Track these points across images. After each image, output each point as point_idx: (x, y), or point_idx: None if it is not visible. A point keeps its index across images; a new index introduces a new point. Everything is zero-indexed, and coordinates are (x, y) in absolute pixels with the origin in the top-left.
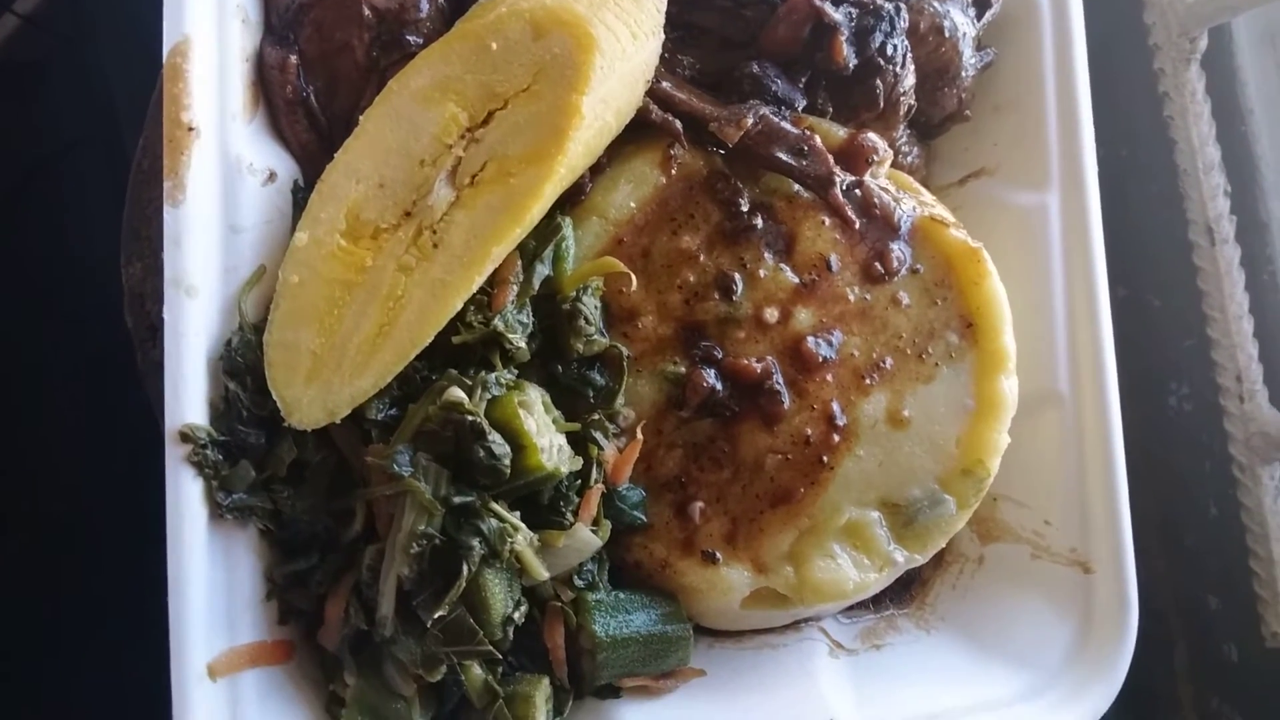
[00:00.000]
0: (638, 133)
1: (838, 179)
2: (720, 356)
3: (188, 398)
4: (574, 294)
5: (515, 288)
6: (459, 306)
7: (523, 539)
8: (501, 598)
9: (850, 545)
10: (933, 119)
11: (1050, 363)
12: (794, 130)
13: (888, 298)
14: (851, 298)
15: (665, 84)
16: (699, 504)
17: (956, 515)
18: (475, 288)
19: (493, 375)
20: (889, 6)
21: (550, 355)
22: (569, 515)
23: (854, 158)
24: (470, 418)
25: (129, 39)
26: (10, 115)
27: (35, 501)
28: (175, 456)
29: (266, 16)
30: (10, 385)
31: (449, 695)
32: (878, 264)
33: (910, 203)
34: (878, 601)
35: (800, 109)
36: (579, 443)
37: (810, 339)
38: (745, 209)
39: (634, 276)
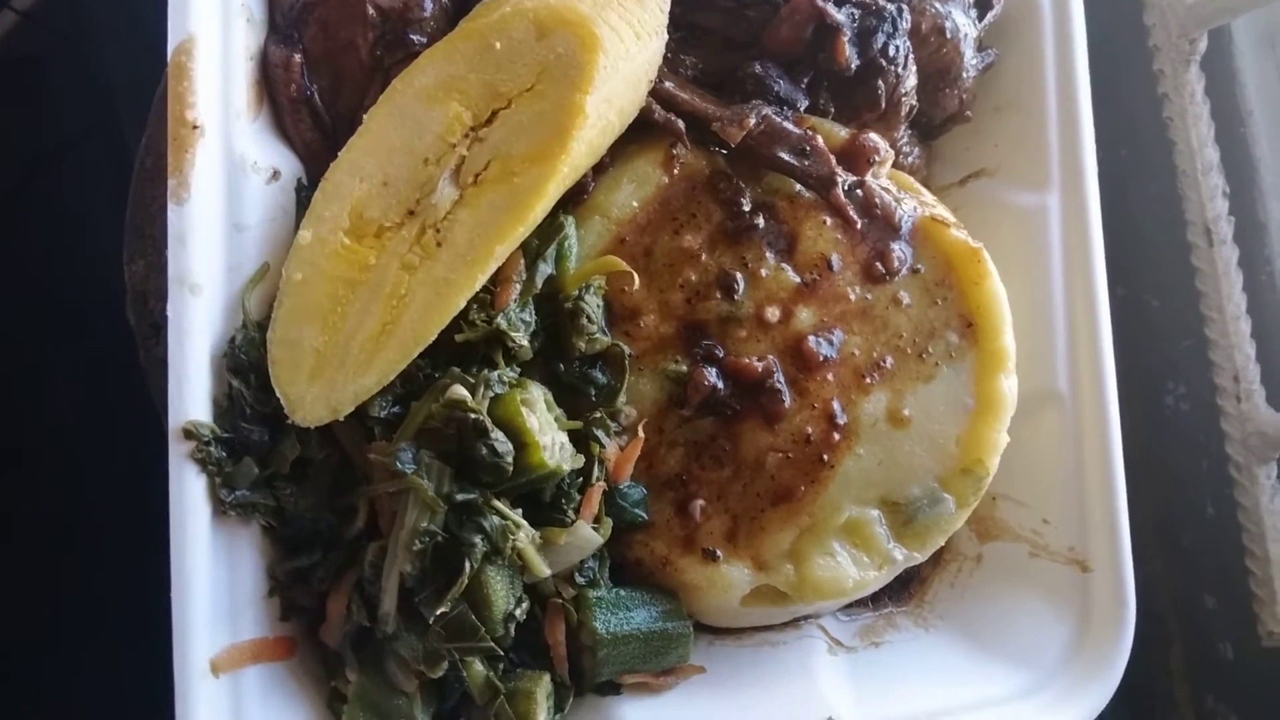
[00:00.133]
0: (640, 132)
1: (840, 179)
2: (722, 355)
3: (191, 395)
4: (576, 293)
5: (518, 286)
6: (462, 305)
7: (525, 536)
8: (503, 595)
9: (850, 543)
10: (934, 119)
11: (1050, 362)
12: (796, 130)
13: (888, 297)
14: (852, 297)
15: (668, 84)
16: (700, 502)
17: (956, 514)
18: (478, 286)
19: (495, 373)
20: (891, 8)
21: (552, 353)
22: (570, 513)
23: (855, 158)
24: (473, 415)
25: (128, 34)
26: (10, 112)
27: (35, 499)
28: (179, 453)
29: (271, 15)
30: (10, 383)
31: (450, 691)
32: (879, 264)
33: (911, 203)
34: (876, 599)
35: (802, 109)
36: (581, 441)
37: (811, 338)
38: (747, 208)
39: (636, 275)
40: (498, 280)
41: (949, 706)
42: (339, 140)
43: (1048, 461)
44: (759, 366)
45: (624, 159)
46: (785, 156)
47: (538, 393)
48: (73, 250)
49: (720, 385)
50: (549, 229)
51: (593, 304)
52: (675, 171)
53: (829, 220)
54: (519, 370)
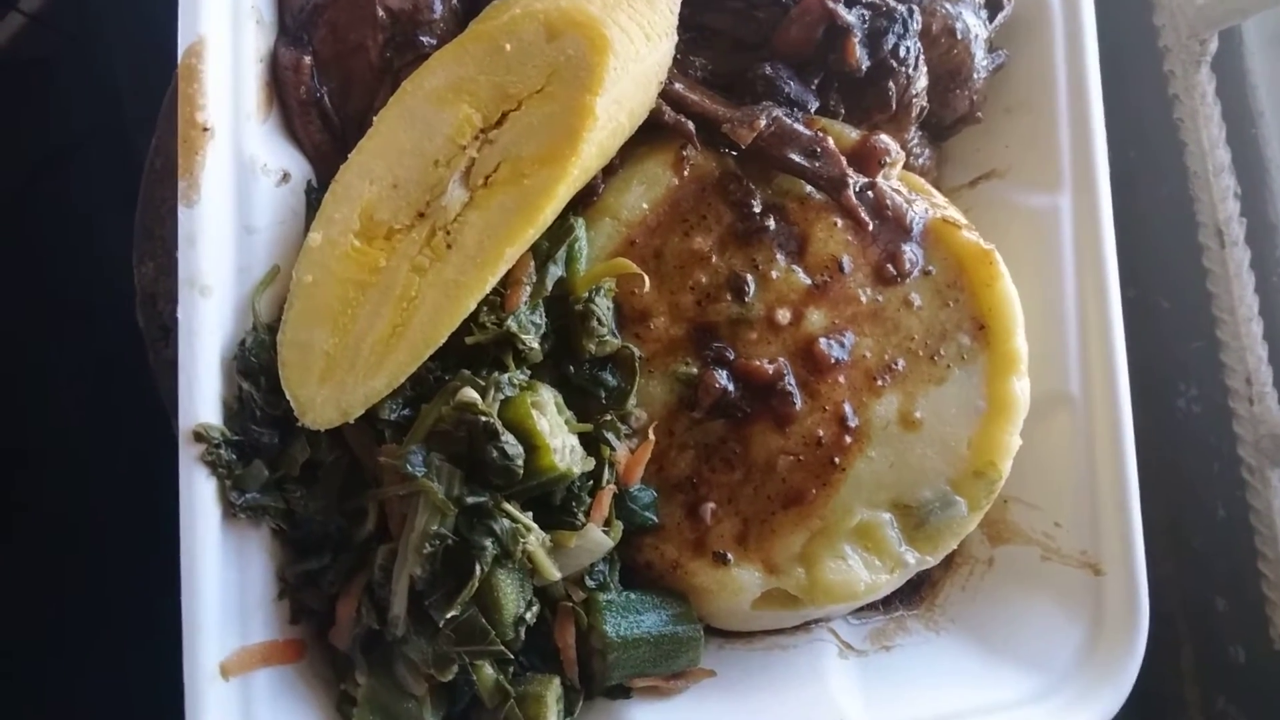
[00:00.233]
0: (650, 134)
1: (851, 181)
2: (732, 357)
3: (202, 397)
4: (586, 295)
5: (528, 288)
6: (472, 307)
7: (535, 539)
8: (513, 598)
9: (861, 546)
10: (944, 120)
11: (1061, 365)
12: (807, 132)
13: (900, 299)
14: (863, 299)
15: (678, 85)
16: (710, 505)
17: (968, 517)
18: (489, 288)
19: (506, 376)
20: (902, 9)
21: (563, 356)
22: (581, 516)
23: (866, 159)
24: (483, 418)
25: (135, 36)
26: (18, 112)
27: (42, 500)
28: (189, 456)
29: (280, 17)
30: (17, 382)
31: (460, 695)
32: (890, 265)
33: (922, 204)
34: (887, 603)
35: (813, 110)
36: (591, 443)
37: (822, 340)
38: (757, 210)
39: (646, 278)
40: (508, 282)
41: (960, 710)
42: (348, 142)
43: (1060, 464)
44: (770, 369)
45: (634, 160)
46: (796, 158)
47: (548, 395)
48: (79, 251)
49: (731, 388)
50: (559, 231)
51: (603, 306)
52: (685, 173)
53: (840, 222)
54: (529, 373)
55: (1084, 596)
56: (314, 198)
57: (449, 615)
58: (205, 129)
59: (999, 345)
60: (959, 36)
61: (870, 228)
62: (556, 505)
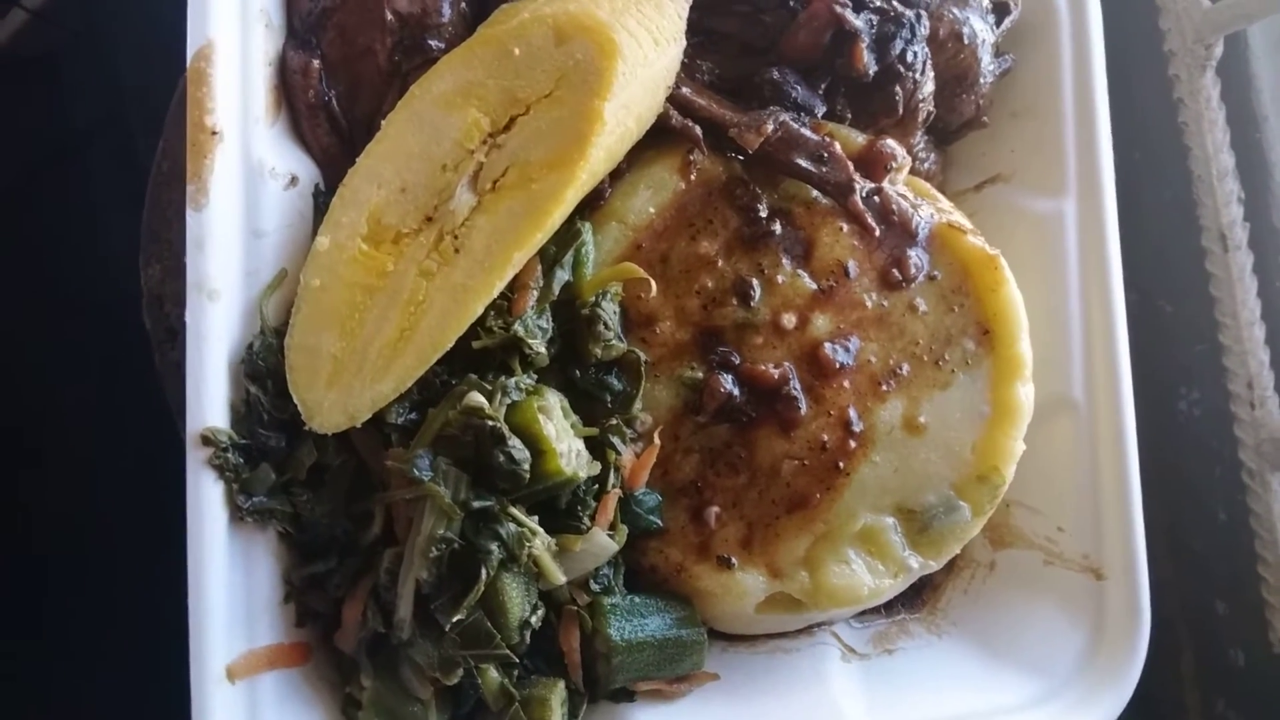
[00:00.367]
0: (658, 138)
1: (857, 186)
2: (738, 362)
3: (209, 401)
4: (593, 299)
5: (535, 293)
6: (480, 311)
7: (540, 543)
8: (519, 602)
9: (865, 551)
10: (950, 125)
11: (1065, 370)
12: (814, 137)
13: (905, 304)
14: (869, 304)
15: (685, 89)
16: (715, 509)
17: (971, 522)
18: (496, 293)
19: (512, 380)
20: (910, 14)
21: (569, 360)
22: (586, 520)
23: (873, 164)
24: (490, 423)
25: (139, 33)
26: (21, 109)
27: (47, 502)
28: (196, 459)
29: (289, 20)
30: (20, 382)
31: (465, 698)
32: (895, 270)
33: (928, 209)
34: (890, 606)
35: (820, 115)
36: (597, 447)
37: (827, 345)
38: (764, 215)
39: (653, 283)
40: (515, 287)
41: (962, 714)
42: (356, 145)
43: (1062, 469)
44: (775, 373)
45: (641, 164)
46: (803, 163)
47: (554, 399)
48: (82, 248)
49: (736, 392)
50: (566, 235)
51: (609, 311)
52: (692, 177)
53: (846, 227)
54: (535, 377)
55: (1086, 601)
56: (321, 201)
57: (455, 619)
58: (214, 133)
59: (1003, 350)
60: (966, 41)
61: (876, 233)
62: (562, 509)
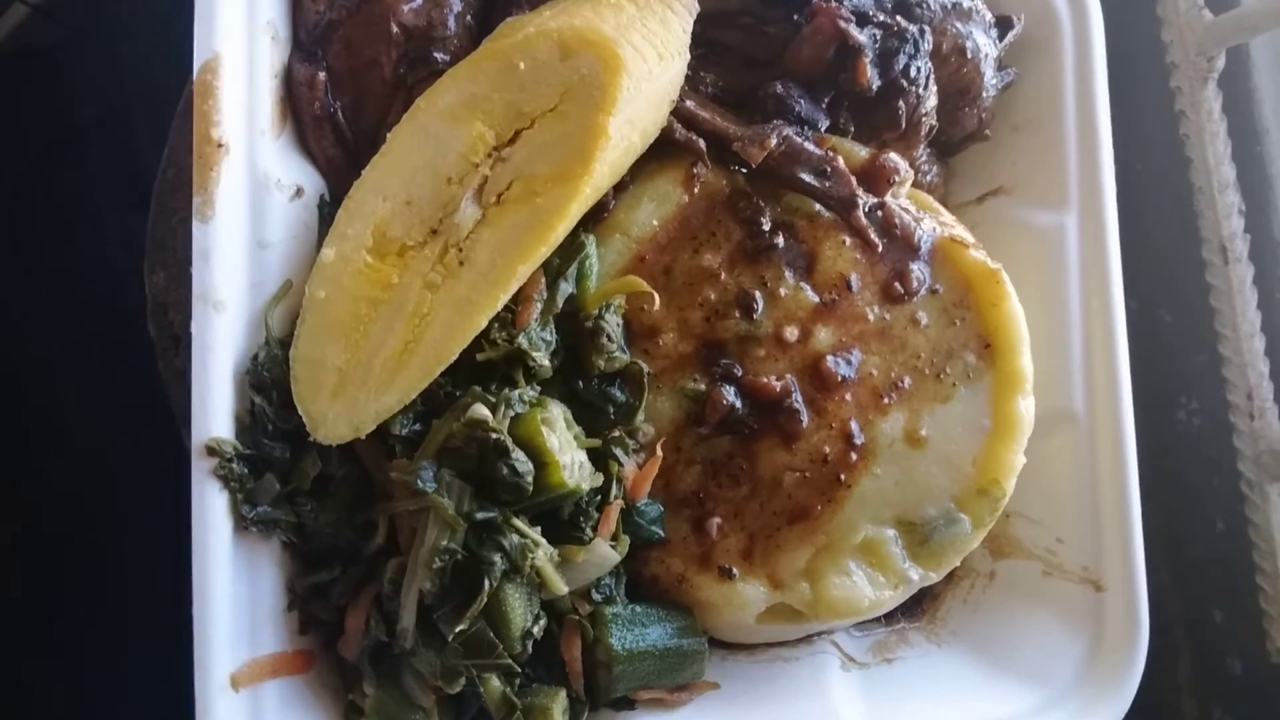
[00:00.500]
0: (661, 151)
1: (860, 201)
2: (740, 374)
3: (214, 411)
4: (597, 311)
5: (539, 305)
6: (484, 324)
7: (543, 554)
8: (521, 612)
9: (866, 563)
10: (953, 138)
11: (1066, 383)
12: (817, 151)
13: (907, 317)
14: (871, 317)
15: (689, 103)
16: (716, 520)
17: (971, 534)
18: (500, 306)
19: (516, 392)
20: (913, 29)
21: (572, 371)
22: (588, 530)
23: (875, 178)
24: (494, 435)
25: (141, 28)
26: (22, 104)
27: (46, 507)
28: (201, 470)
29: (295, 32)
30: (20, 382)
31: (467, 706)
32: (897, 284)
33: (930, 223)
34: (890, 615)
35: (823, 129)
36: (599, 459)
37: (830, 358)
38: (767, 228)
39: (657, 296)
40: (519, 299)
41: None
42: (361, 157)
43: (1062, 480)
44: (777, 386)
45: (645, 177)
46: (806, 177)
47: (557, 411)
48: (81, 244)
49: (738, 404)
50: (570, 248)
51: (613, 323)
52: (695, 190)
53: (848, 240)
54: (539, 389)
55: (1085, 612)
56: (327, 212)
57: (457, 629)
58: (220, 145)
59: (1004, 364)
60: (969, 56)
61: (879, 248)
62: (564, 520)
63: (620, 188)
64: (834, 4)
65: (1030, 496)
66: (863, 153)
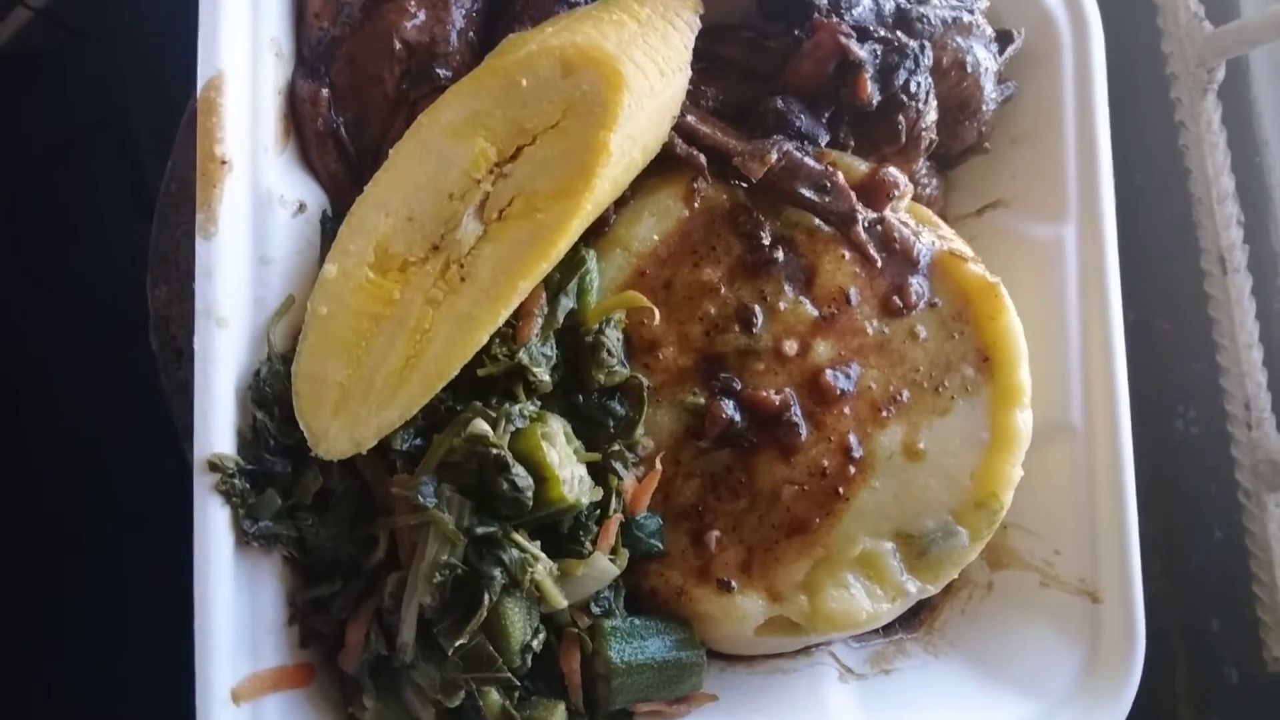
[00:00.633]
0: (662, 165)
1: (859, 216)
2: (739, 388)
3: (217, 427)
4: (597, 326)
5: (540, 320)
6: (485, 340)
7: (543, 568)
8: (521, 626)
9: (864, 575)
10: (952, 150)
11: (1064, 395)
12: (817, 166)
13: (905, 331)
14: (870, 331)
15: (690, 117)
16: (715, 533)
17: (969, 547)
18: (501, 321)
19: (516, 407)
20: (913, 44)
21: (572, 385)
22: (588, 544)
23: (875, 193)
24: (494, 451)
25: (142, 31)
26: (24, 105)
27: (41, 508)
28: (204, 485)
29: (298, 49)
30: (19, 383)
31: (467, 719)
32: (896, 298)
33: (929, 237)
34: (887, 626)
35: (823, 144)
36: (599, 472)
37: (829, 372)
38: (766, 242)
39: (657, 311)
40: (520, 314)
41: None
42: (364, 172)
43: (1060, 492)
44: (776, 399)
45: (645, 192)
46: (806, 192)
47: (557, 425)
48: (81, 246)
49: (737, 418)
50: (571, 263)
51: (613, 338)
52: (696, 205)
53: (847, 254)
54: (539, 403)
55: (1082, 623)
56: (329, 228)
57: (457, 643)
58: (224, 162)
59: (1003, 378)
60: (969, 70)
61: (878, 264)
62: (564, 534)
63: (621, 202)
64: (835, 19)
65: (1028, 508)
66: (862, 167)
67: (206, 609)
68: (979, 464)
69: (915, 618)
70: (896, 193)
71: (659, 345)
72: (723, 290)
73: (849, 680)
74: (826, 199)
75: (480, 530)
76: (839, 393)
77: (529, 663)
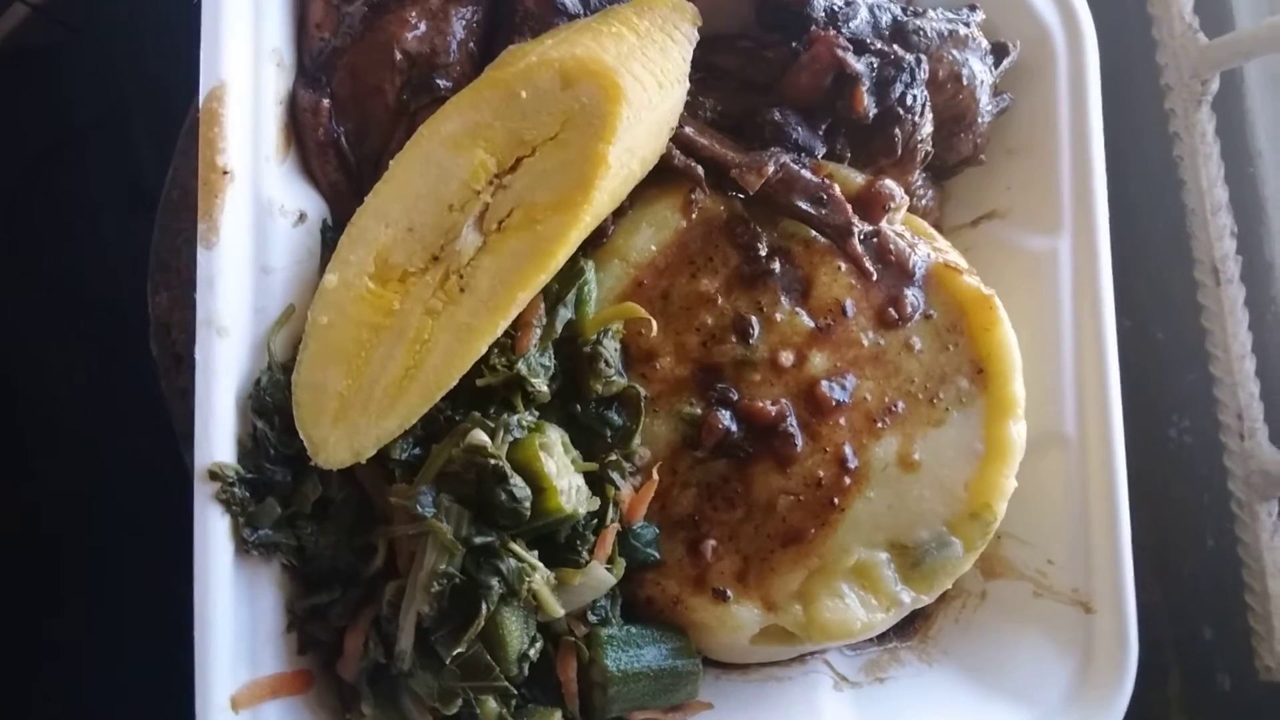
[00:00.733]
0: (660, 176)
1: (855, 229)
2: (735, 398)
3: (217, 436)
4: (595, 337)
5: (538, 331)
6: (484, 350)
7: (540, 578)
8: (518, 635)
9: (858, 585)
10: (948, 162)
11: (1057, 406)
12: (813, 179)
13: (901, 343)
14: (865, 342)
15: (688, 129)
16: (711, 542)
17: (963, 558)
18: (500, 332)
19: (515, 418)
20: (910, 58)
21: (570, 395)
22: (585, 553)
23: (871, 205)
24: (493, 461)
25: (141, 27)
26: (21, 102)
27: (39, 508)
28: (204, 494)
29: (299, 59)
30: (18, 384)
31: None
32: (892, 309)
33: (925, 249)
34: (881, 634)
35: (820, 156)
36: (596, 482)
37: (824, 383)
38: (763, 253)
39: (654, 322)
40: (518, 325)
41: None
42: (364, 181)
43: (1053, 503)
44: (772, 410)
45: (643, 203)
46: (802, 205)
47: (555, 435)
48: (79, 244)
49: (733, 428)
50: (569, 273)
51: (610, 348)
52: (693, 216)
53: (844, 266)
54: (537, 413)
55: (1074, 633)
56: (329, 237)
57: (455, 652)
58: (225, 172)
59: (997, 389)
60: (965, 82)
61: (874, 277)
62: (561, 543)
63: (619, 213)
64: (832, 32)
65: (1022, 518)
66: (859, 179)
67: (206, 616)
68: (973, 475)
69: (909, 626)
70: (892, 205)
71: (656, 355)
72: (720, 301)
73: (843, 688)
74: (823, 211)
75: (478, 540)
76: (834, 404)
77: (526, 671)
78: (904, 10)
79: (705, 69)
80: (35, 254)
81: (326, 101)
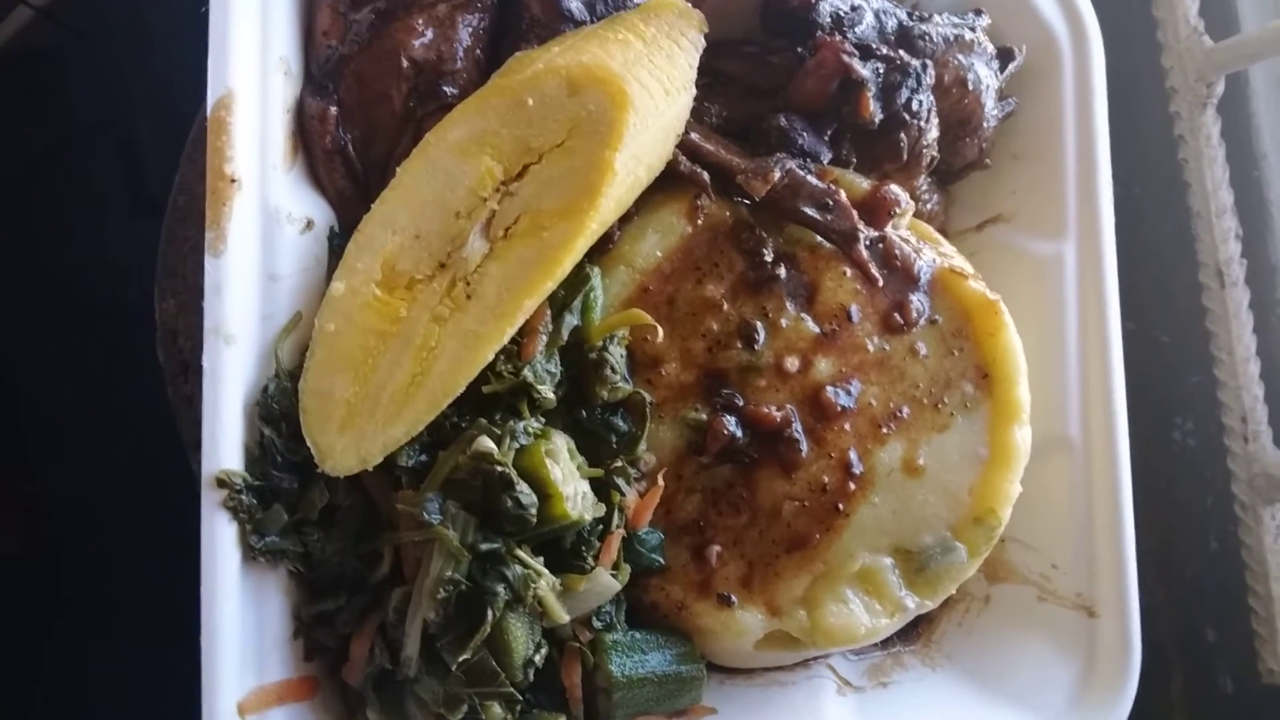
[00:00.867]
0: (666, 182)
1: (861, 235)
2: (741, 404)
3: (224, 443)
4: (600, 343)
5: (544, 337)
6: (490, 357)
7: (545, 584)
8: (523, 641)
9: (863, 591)
10: (953, 166)
11: (1062, 410)
12: (819, 184)
13: (906, 348)
14: (870, 348)
15: (694, 135)
16: (716, 548)
17: (967, 563)
18: (507, 339)
19: (521, 424)
20: (915, 63)
21: (575, 401)
22: (590, 559)
23: (876, 210)
24: (499, 468)
25: (144, 31)
26: (24, 104)
27: (40, 510)
28: (211, 501)
29: (306, 67)
30: (18, 385)
31: None
32: (897, 315)
33: (930, 254)
34: (885, 639)
35: (825, 161)
36: (601, 488)
37: (829, 388)
38: (769, 259)
39: (660, 329)
40: (524, 331)
41: None
42: (371, 188)
43: (1058, 507)
44: (777, 416)
45: (649, 209)
46: (808, 210)
47: (561, 442)
48: (81, 246)
49: (739, 434)
50: (575, 280)
51: (616, 354)
52: (699, 222)
53: (849, 271)
54: (543, 420)
55: (1078, 637)
56: (336, 244)
57: (461, 658)
58: (233, 180)
59: (1002, 394)
60: (970, 87)
61: (879, 282)
62: (567, 549)
63: (625, 219)
64: (838, 38)
65: (1026, 522)
66: (864, 184)
67: (213, 622)
68: (978, 480)
69: (913, 631)
70: (898, 210)
71: (662, 361)
72: (725, 306)
73: (847, 693)
74: (829, 217)
75: (484, 546)
76: (839, 409)
77: (531, 677)
78: (910, 15)
79: (711, 74)
80: (37, 256)
81: (333, 109)
